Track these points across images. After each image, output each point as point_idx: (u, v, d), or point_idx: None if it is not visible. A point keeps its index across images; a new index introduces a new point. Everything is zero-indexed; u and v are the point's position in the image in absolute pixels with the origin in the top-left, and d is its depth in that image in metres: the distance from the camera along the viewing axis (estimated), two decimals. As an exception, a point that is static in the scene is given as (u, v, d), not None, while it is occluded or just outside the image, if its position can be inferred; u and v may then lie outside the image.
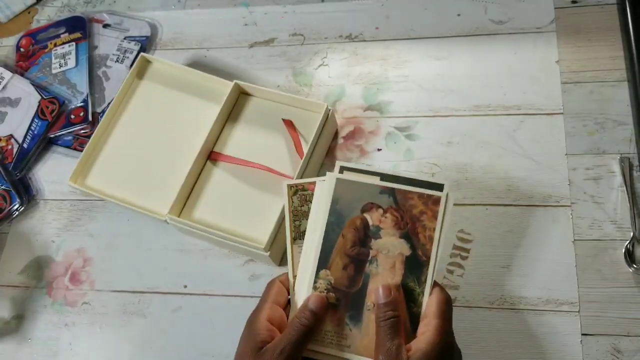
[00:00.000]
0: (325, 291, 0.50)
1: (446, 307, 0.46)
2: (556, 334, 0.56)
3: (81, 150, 0.70)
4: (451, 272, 0.61)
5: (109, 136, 0.72)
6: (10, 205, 0.73)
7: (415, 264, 0.50)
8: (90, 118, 0.76)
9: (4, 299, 0.70)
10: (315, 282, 0.50)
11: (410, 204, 0.52)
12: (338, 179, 0.52)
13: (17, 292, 0.70)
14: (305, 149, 0.63)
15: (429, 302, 0.48)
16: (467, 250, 0.61)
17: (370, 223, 0.52)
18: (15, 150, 0.76)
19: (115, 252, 0.70)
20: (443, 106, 0.69)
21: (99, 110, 0.78)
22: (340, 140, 0.70)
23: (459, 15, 0.74)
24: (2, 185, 0.74)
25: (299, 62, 0.76)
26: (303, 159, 0.62)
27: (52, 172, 0.76)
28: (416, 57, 0.73)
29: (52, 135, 0.77)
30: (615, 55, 0.68)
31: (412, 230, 0.51)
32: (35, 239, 0.73)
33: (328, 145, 0.69)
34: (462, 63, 0.71)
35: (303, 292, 0.50)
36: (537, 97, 0.67)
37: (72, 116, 0.77)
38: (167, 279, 0.67)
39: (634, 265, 0.57)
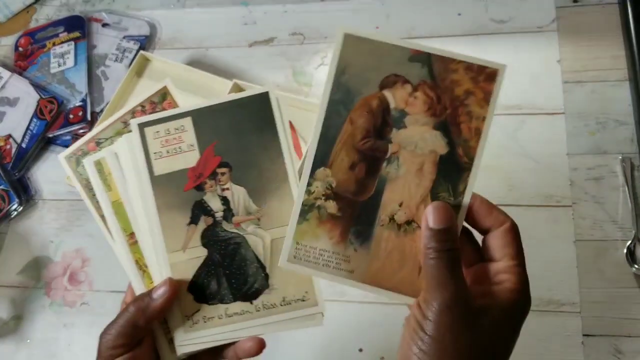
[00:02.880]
0: (323, 198, 0.37)
1: (520, 242, 0.36)
2: (557, 335, 0.56)
3: (80, 150, 0.70)
4: (452, 272, 0.60)
5: (108, 136, 0.71)
6: (8, 205, 0.73)
7: (453, 167, 0.37)
8: (89, 117, 0.76)
9: (2, 300, 0.69)
10: (309, 184, 0.38)
11: (453, 80, 0.37)
12: (347, 35, 0.37)
13: (15, 293, 0.70)
14: (304, 150, 0.63)
15: (501, 238, 0.36)
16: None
17: (393, 105, 0.38)
18: (13, 150, 0.76)
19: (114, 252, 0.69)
20: (443, 106, 0.69)
21: (97, 109, 0.77)
22: (340, 140, 0.69)
23: (459, 14, 0.74)
24: (0, 185, 0.74)
25: (298, 62, 0.76)
26: (302, 159, 0.62)
27: (51, 172, 0.76)
28: (416, 56, 0.73)
29: (50, 135, 0.77)
30: (616, 54, 0.67)
31: (452, 119, 0.37)
32: (34, 239, 0.72)
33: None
34: (462, 62, 0.71)
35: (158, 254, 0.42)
36: (538, 96, 0.67)
37: (71, 116, 0.77)
38: (166, 280, 0.67)
39: (636, 266, 0.57)
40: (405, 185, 0.37)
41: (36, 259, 0.71)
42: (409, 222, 0.38)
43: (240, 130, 0.41)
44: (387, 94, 0.37)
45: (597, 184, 0.62)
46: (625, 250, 0.58)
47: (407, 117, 0.37)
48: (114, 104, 0.72)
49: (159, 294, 0.40)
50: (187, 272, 0.41)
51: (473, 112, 0.37)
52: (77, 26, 0.83)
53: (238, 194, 0.41)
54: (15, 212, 0.73)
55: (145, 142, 0.42)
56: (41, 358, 0.66)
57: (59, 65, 0.81)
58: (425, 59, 0.37)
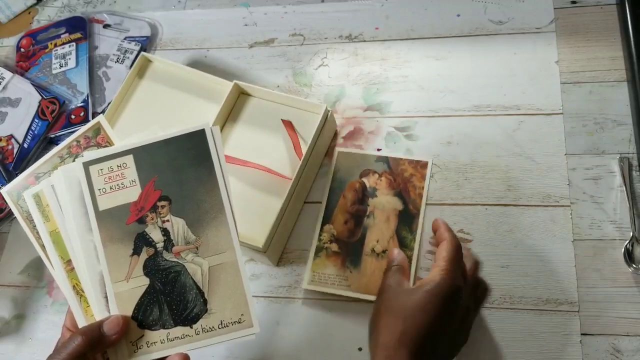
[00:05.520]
0: (329, 242, 0.61)
1: (455, 253, 0.51)
2: (556, 334, 0.56)
3: (81, 151, 0.71)
4: (451, 272, 0.61)
5: (109, 136, 0.72)
6: (10, 205, 0.73)
7: (407, 216, 0.61)
8: (90, 118, 0.76)
9: (4, 299, 0.70)
10: (320, 235, 0.62)
11: (402, 169, 0.64)
12: (340, 152, 0.66)
13: (17, 292, 0.70)
14: (304, 150, 0.63)
15: (440, 248, 0.51)
16: (467, 250, 0.61)
17: (368, 185, 0.63)
18: (15, 150, 0.76)
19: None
20: (443, 106, 0.69)
21: (99, 110, 0.78)
22: (340, 140, 0.70)
23: (458, 15, 0.74)
24: (2, 185, 0.74)
25: (298, 62, 0.76)
26: (302, 159, 0.62)
27: (53, 172, 0.76)
28: (416, 57, 0.73)
29: (52, 136, 0.77)
30: (614, 55, 0.68)
31: (404, 189, 0.63)
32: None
33: (327, 146, 0.69)
34: (461, 63, 0.71)
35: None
36: (537, 97, 0.67)
37: (73, 116, 0.77)
38: (167, 279, 0.67)
39: (634, 265, 0.57)
40: (379, 229, 0.61)
41: (38, 258, 0.71)
42: (384, 251, 0.61)
43: (178, 166, 0.44)
44: (364, 179, 0.64)
45: (595, 184, 0.62)
46: (623, 250, 0.58)
47: (377, 191, 0.63)
48: (115, 104, 0.72)
49: (113, 330, 0.42)
50: (131, 301, 0.44)
51: (416, 185, 0.63)
52: (79, 27, 0.84)
53: (177, 225, 0.43)
54: (17, 212, 0.74)
55: (90, 180, 0.44)
56: (43, 357, 0.65)
57: (61, 66, 0.82)
58: (385, 159, 0.65)
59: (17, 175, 0.74)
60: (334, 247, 0.61)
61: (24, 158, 0.76)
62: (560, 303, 0.57)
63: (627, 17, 0.67)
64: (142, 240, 0.44)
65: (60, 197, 0.46)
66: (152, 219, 0.44)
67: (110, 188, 0.44)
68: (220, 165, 0.45)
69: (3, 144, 0.77)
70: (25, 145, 0.76)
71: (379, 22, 0.77)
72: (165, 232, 0.44)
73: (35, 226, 0.47)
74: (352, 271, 0.59)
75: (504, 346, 0.57)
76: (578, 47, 0.69)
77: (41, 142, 0.77)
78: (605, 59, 0.68)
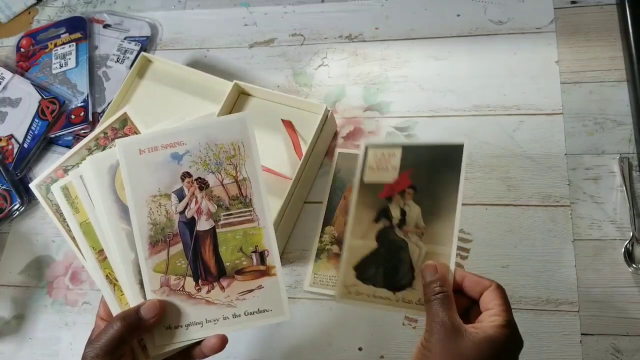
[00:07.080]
0: (330, 244, 0.62)
1: (506, 295, 0.45)
2: (556, 334, 0.56)
3: (81, 150, 0.71)
4: (451, 272, 0.61)
5: (109, 136, 0.72)
6: (10, 205, 0.73)
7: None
8: (90, 118, 0.77)
9: (4, 299, 0.70)
10: (321, 236, 0.64)
11: None
12: (340, 153, 0.68)
13: (17, 292, 0.70)
14: (304, 150, 0.63)
15: (487, 293, 0.45)
16: (467, 250, 0.61)
17: None
18: (15, 150, 0.76)
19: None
20: (443, 106, 0.69)
21: (99, 110, 0.78)
22: (340, 140, 0.70)
23: (458, 15, 0.74)
24: (2, 185, 0.74)
25: (299, 62, 0.76)
26: (302, 159, 0.62)
27: (53, 172, 0.76)
28: (416, 57, 0.73)
29: (52, 135, 0.77)
30: (614, 55, 0.68)
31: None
32: (36, 238, 0.73)
33: (327, 146, 0.69)
34: (461, 63, 0.71)
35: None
36: (537, 97, 0.67)
37: (73, 116, 0.77)
38: (167, 279, 0.67)
39: (634, 265, 0.57)
40: None
41: (38, 258, 0.71)
42: None
43: (433, 167, 0.51)
44: None
45: (595, 184, 0.62)
46: (623, 250, 0.58)
47: None
48: (115, 104, 0.72)
49: (150, 314, 0.44)
50: (358, 255, 0.50)
51: None
52: (79, 27, 0.84)
53: (414, 211, 0.51)
54: (17, 212, 0.74)
55: (366, 158, 0.53)
56: (43, 357, 0.66)
57: (61, 66, 0.81)
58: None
59: (17, 175, 0.75)
60: (335, 248, 0.62)
61: (24, 158, 0.76)
62: (560, 303, 0.57)
63: (627, 17, 0.67)
64: (384, 213, 0.51)
65: (89, 187, 0.46)
66: (397, 200, 0.51)
67: (377, 167, 0.53)
68: (462, 179, 0.51)
69: (3, 144, 0.77)
70: (26, 145, 0.76)
71: (379, 22, 0.77)
72: (403, 212, 0.51)
73: (65, 219, 0.48)
74: None
75: (504, 346, 0.57)
76: (578, 47, 0.69)
77: (41, 142, 0.77)
78: (605, 59, 0.68)
